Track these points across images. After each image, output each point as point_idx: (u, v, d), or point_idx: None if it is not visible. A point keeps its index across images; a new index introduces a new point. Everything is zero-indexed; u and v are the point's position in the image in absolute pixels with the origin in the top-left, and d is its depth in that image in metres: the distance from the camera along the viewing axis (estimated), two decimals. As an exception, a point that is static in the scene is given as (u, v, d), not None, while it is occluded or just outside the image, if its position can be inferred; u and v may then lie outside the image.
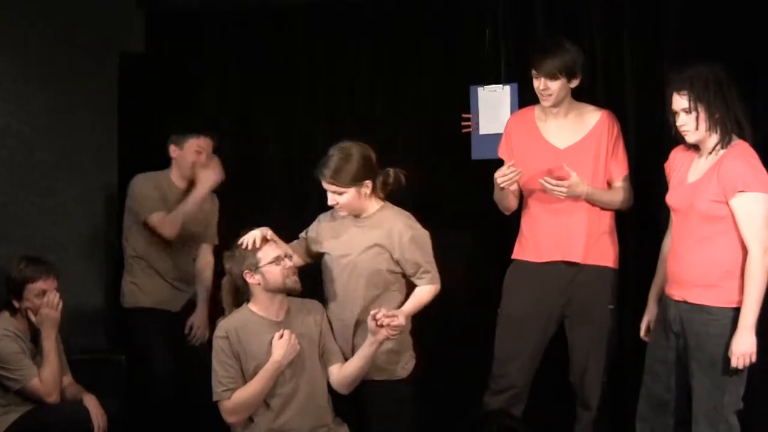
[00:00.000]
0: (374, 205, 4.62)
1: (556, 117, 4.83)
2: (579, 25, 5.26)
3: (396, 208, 4.64)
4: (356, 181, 4.52)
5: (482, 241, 5.47)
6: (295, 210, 5.66)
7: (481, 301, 5.32)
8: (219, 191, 5.56)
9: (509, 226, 5.17)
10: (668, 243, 4.57)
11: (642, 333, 4.72)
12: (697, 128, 4.33)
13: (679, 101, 4.32)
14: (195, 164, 5.41)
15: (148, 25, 6.04)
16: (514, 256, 4.95)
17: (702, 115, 4.30)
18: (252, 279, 4.53)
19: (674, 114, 4.36)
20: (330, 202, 4.59)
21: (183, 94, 5.97)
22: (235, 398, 4.48)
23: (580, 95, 4.96)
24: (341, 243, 4.64)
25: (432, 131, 5.57)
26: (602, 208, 4.83)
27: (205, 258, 5.61)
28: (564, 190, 4.65)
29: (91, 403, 4.90)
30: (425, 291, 4.61)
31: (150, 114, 5.97)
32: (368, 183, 4.55)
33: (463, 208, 5.50)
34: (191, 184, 5.43)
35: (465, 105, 5.39)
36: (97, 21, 5.83)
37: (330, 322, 4.66)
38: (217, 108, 5.96)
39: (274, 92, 5.86)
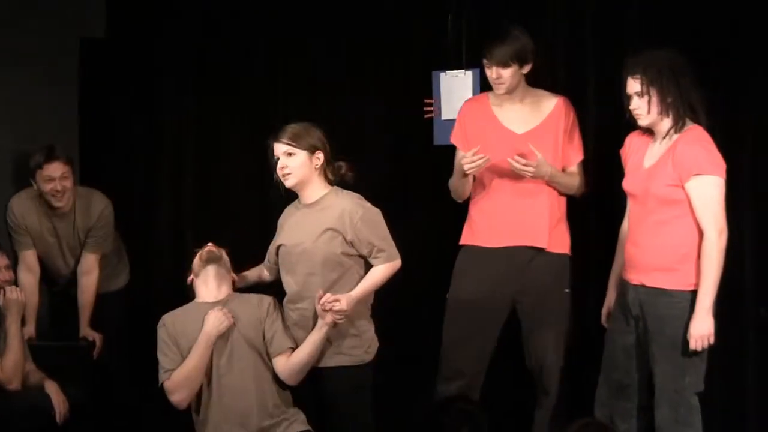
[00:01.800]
0: (322, 188, 4.63)
1: (512, 102, 4.86)
2: (541, 10, 5.26)
3: (344, 191, 4.65)
4: (310, 146, 4.57)
5: (444, 226, 5.46)
6: (259, 198, 5.66)
7: (442, 286, 5.34)
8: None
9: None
10: (626, 228, 4.61)
11: (603, 319, 4.75)
12: (648, 112, 4.38)
13: (632, 85, 4.38)
14: (51, 194, 5.34)
15: (109, 9, 6.00)
16: (463, 241, 4.96)
17: (654, 99, 4.35)
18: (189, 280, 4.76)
19: (628, 98, 4.41)
20: (279, 166, 4.59)
21: (145, 80, 5.95)
22: (174, 376, 4.55)
23: (541, 82, 5.00)
24: (294, 232, 4.64)
25: (394, 117, 5.56)
26: (560, 194, 4.86)
27: (83, 266, 5.51)
28: (531, 169, 4.68)
29: (52, 389, 4.90)
30: (379, 271, 4.60)
31: (111, 100, 5.95)
32: (320, 154, 4.59)
33: (425, 194, 5.50)
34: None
35: (427, 90, 5.39)
36: (57, 6, 5.79)
37: (288, 314, 4.67)
38: (179, 95, 5.93)
39: (237, 77, 5.84)
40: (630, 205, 4.55)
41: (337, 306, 4.47)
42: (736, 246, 4.85)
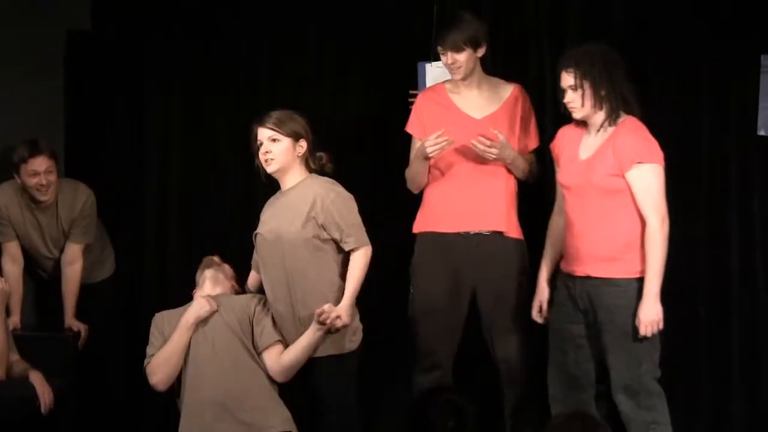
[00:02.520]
0: (300, 174, 4.65)
1: (470, 89, 4.91)
2: (524, 2, 5.29)
3: (320, 177, 4.68)
4: (295, 133, 4.61)
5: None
6: (245, 190, 5.67)
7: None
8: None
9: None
10: (557, 222, 4.65)
11: (534, 313, 4.75)
12: (583, 105, 4.43)
13: (566, 78, 4.44)
14: (36, 188, 5.31)
15: (93, 1, 5.99)
16: (417, 229, 4.95)
17: (587, 92, 4.41)
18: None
19: (563, 91, 4.45)
20: (262, 151, 4.61)
21: (131, 71, 5.94)
22: (153, 360, 4.64)
23: (528, 77, 5.09)
24: (271, 221, 4.66)
25: (379, 107, 5.56)
26: (515, 178, 4.88)
27: (67, 256, 5.50)
28: (495, 151, 4.71)
29: (37, 379, 4.90)
30: (357, 267, 4.59)
31: (97, 92, 5.94)
32: (303, 142, 4.62)
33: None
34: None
35: (412, 81, 5.38)
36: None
37: (273, 310, 4.67)
38: (166, 86, 5.93)
39: (222, 70, 5.84)
40: (566, 198, 4.56)
41: (339, 323, 4.50)
42: (724, 243, 4.93)
